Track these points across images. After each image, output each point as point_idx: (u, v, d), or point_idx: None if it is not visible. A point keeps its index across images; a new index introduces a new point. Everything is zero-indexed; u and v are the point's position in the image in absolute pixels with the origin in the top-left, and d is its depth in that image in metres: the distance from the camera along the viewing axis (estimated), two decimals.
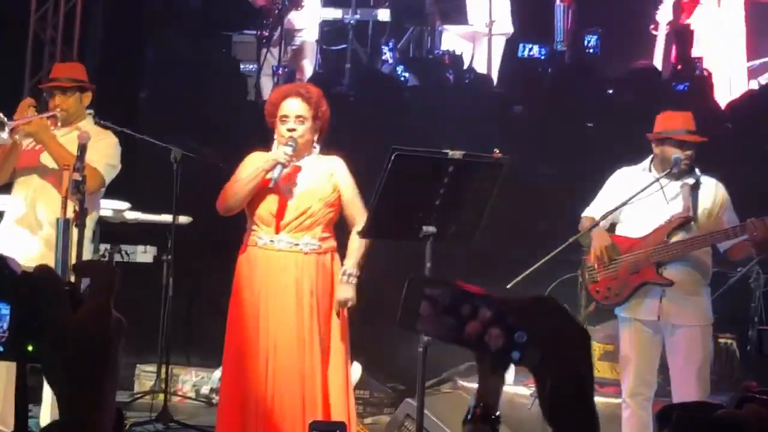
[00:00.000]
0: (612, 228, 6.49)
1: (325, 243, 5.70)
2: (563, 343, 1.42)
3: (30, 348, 1.31)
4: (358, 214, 5.70)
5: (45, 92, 6.68)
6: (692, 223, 6.24)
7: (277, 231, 5.63)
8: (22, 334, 1.31)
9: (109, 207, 7.50)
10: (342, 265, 5.75)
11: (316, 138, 5.76)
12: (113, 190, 7.03)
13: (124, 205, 7.80)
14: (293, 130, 5.62)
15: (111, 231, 7.90)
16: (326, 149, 5.88)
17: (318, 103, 5.70)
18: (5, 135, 6.09)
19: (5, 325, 1.31)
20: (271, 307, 5.60)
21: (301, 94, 5.69)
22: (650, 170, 6.38)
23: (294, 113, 5.65)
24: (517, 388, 7.29)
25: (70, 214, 5.66)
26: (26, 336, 1.31)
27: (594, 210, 6.45)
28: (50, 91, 6.57)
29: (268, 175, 5.51)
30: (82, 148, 5.69)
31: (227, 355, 5.74)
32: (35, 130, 6.24)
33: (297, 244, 5.63)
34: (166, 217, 7.84)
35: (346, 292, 5.70)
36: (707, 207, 6.29)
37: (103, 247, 7.76)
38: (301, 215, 5.63)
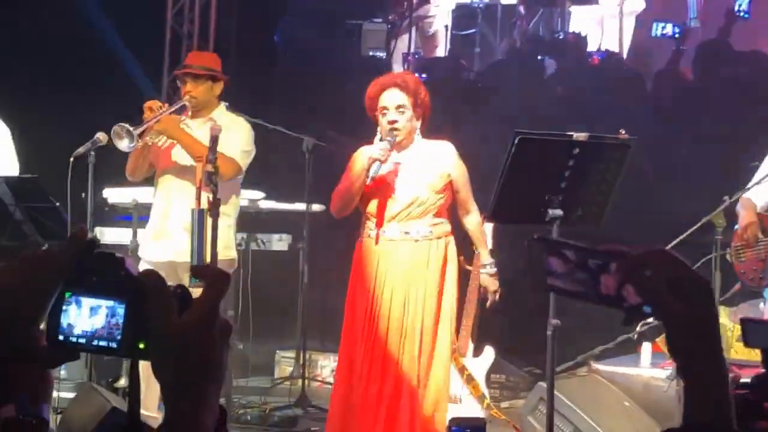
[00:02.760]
0: None
1: (437, 228, 5.72)
2: (683, 294, 1.41)
3: (141, 346, 1.38)
4: (470, 198, 5.80)
5: (178, 79, 6.83)
6: None
7: (389, 221, 5.68)
8: (134, 333, 1.38)
9: (244, 197, 7.66)
10: (455, 246, 5.83)
11: (418, 126, 5.76)
12: (247, 180, 7.19)
13: (258, 194, 7.95)
14: (394, 121, 5.65)
15: (247, 220, 8.07)
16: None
17: (416, 91, 5.69)
18: (133, 143, 6.22)
19: (121, 324, 1.39)
20: (385, 296, 5.66)
21: (398, 84, 5.71)
22: None
23: (393, 104, 5.67)
24: (653, 370, 7.20)
25: (204, 205, 5.79)
26: (138, 334, 1.38)
27: (753, 190, 6.32)
28: (183, 78, 6.72)
29: (370, 174, 5.57)
30: (214, 140, 5.82)
31: (342, 345, 5.83)
32: (165, 126, 6.35)
33: (408, 233, 5.68)
34: (300, 206, 7.97)
35: (493, 284, 5.98)
36: None
37: (239, 236, 7.92)
38: (410, 205, 5.66)
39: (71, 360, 1.43)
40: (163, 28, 10.40)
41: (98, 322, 1.38)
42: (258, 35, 10.53)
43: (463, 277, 6.72)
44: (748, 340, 1.83)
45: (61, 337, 1.39)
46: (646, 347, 7.42)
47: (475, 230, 5.92)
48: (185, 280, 6.22)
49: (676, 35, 11.11)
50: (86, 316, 1.38)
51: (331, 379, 8.92)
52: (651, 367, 7.29)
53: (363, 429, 5.60)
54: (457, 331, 6.45)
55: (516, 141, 5.00)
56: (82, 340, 1.39)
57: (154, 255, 6.48)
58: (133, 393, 1.47)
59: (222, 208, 5.93)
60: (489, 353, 7.07)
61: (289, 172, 8.35)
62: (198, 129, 6.52)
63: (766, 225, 6.24)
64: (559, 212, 5.17)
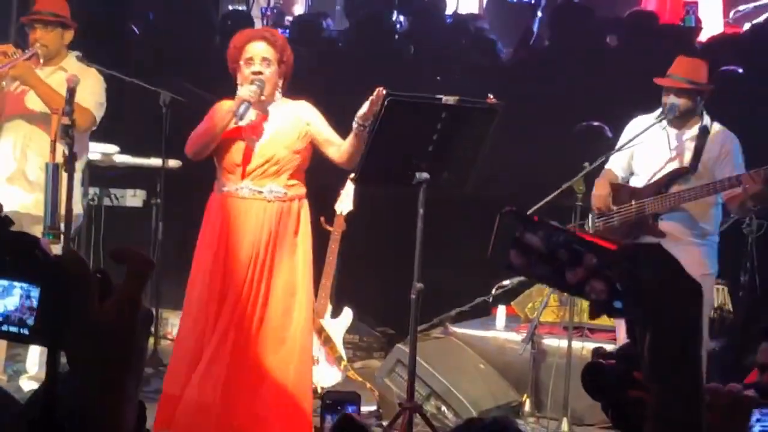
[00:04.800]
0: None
1: (291, 190, 5.60)
2: (671, 297, 1.35)
3: (57, 334, 1.28)
4: (333, 136, 5.58)
5: (26, 26, 6.57)
6: (690, 174, 6.23)
7: (242, 178, 5.55)
8: (49, 319, 1.28)
9: (98, 150, 7.45)
10: (308, 210, 5.67)
11: (280, 84, 5.65)
12: (102, 134, 6.98)
13: (113, 148, 7.74)
14: (259, 72, 5.53)
15: (100, 175, 7.85)
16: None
17: (283, 48, 5.60)
18: None
19: (35, 308, 1.28)
20: (230, 253, 5.53)
21: (266, 38, 5.61)
22: (658, 118, 6.33)
23: (259, 56, 5.55)
24: (509, 333, 7.28)
25: (59, 159, 5.60)
26: (54, 321, 1.28)
27: (612, 160, 6.43)
28: (31, 25, 6.47)
29: (238, 113, 5.40)
30: (71, 92, 5.62)
31: (186, 299, 5.69)
32: (21, 73, 6.18)
33: (260, 192, 5.55)
34: (156, 161, 7.78)
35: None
36: (711, 157, 6.25)
37: (92, 191, 7.71)
38: (265, 163, 5.54)
39: None
40: None
41: (11, 304, 1.28)
42: None
43: (324, 238, 6.70)
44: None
45: None
46: (501, 310, 7.50)
47: (345, 145, 5.54)
48: (32, 233, 6.02)
49: (533, 1, 11.21)
50: None
51: None
52: (506, 330, 7.37)
53: (207, 386, 5.42)
54: (316, 291, 6.39)
55: (385, 103, 4.95)
56: None
57: None
58: (50, 381, 1.35)
59: None
60: (347, 315, 7.04)
61: (145, 126, 8.13)
62: (47, 78, 6.33)
63: (619, 194, 6.36)
64: (425, 175, 5.16)
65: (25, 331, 1.29)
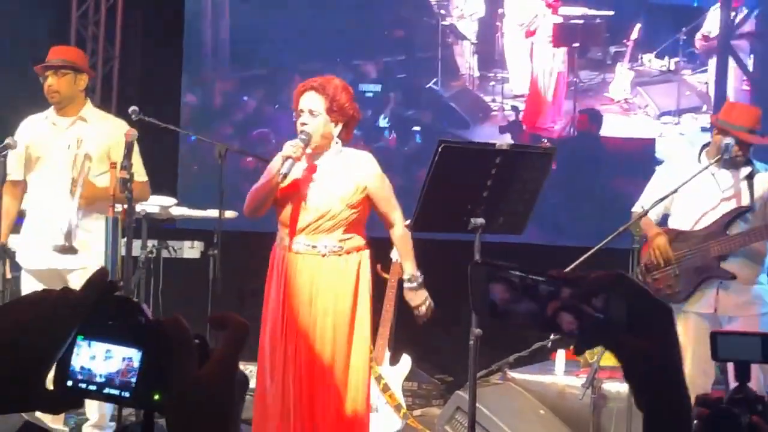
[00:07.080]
0: (664, 219, 6.42)
1: (347, 243, 5.52)
2: (642, 322, 1.33)
3: (156, 397, 1.29)
4: (393, 212, 5.59)
5: (40, 77, 6.58)
6: (749, 213, 6.17)
7: (297, 233, 5.51)
8: (149, 383, 1.29)
9: (155, 203, 7.52)
10: (369, 261, 5.64)
11: (337, 132, 5.57)
12: (160, 186, 7.05)
13: (170, 201, 7.82)
14: (304, 124, 5.46)
15: (158, 227, 7.92)
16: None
17: (333, 96, 5.48)
18: None
19: (136, 372, 1.30)
20: (288, 309, 5.52)
21: (314, 88, 5.50)
22: (699, 160, 6.28)
23: (307, 107, 5.48)
24: (568, 378, 7.21)
25: (118, 213, 5.68)
26: (153, 385, 1.29)
27: (643, 203, 6.38)
28: (44, 74, 6.52)
29: (281, 171, 5.35)
30: (129, 146, 5.70)
31: (260, 355, 5.68)
32: (89, 195, 6.20)
33: (315, 246, 5.49)
34: (213, 213, 7.84)
35: (418, 297, 5.65)
36: (763, 197, 6.20)
37: (150, 243, 7.78)
38: (320, 218, 5.48)
39: (75, 408, 1.34)
40: (68, 30, 10.17)
41: (113, 367, 1.29)
42: (167, 36, 10.32)
43: (381, 286, 6.70)
44: (718, 354, 1.74)
45: (69, 383, 1.30)
46: (561, 355, 7.43)
47: (398, 243, 5.69)
48: (72, 285, 6.06)
49: None
50: (100, 361, 1.29)
51: None
52: (565, 375, 7.30)
53: None
54: (374, 339, 6.38)
55: (439, 149, 4.96)
56: (92, 387, 1.30)
57: (35, 263, 6.31)
58: None
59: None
60: (405, 362, 7.04)
61: (201, 177, 8.22)
62: (68, 129, 6.39)
63: (674, 241, 6.27)
64: (481, 221, 5.15)
65: (126, 394, 1.30)
